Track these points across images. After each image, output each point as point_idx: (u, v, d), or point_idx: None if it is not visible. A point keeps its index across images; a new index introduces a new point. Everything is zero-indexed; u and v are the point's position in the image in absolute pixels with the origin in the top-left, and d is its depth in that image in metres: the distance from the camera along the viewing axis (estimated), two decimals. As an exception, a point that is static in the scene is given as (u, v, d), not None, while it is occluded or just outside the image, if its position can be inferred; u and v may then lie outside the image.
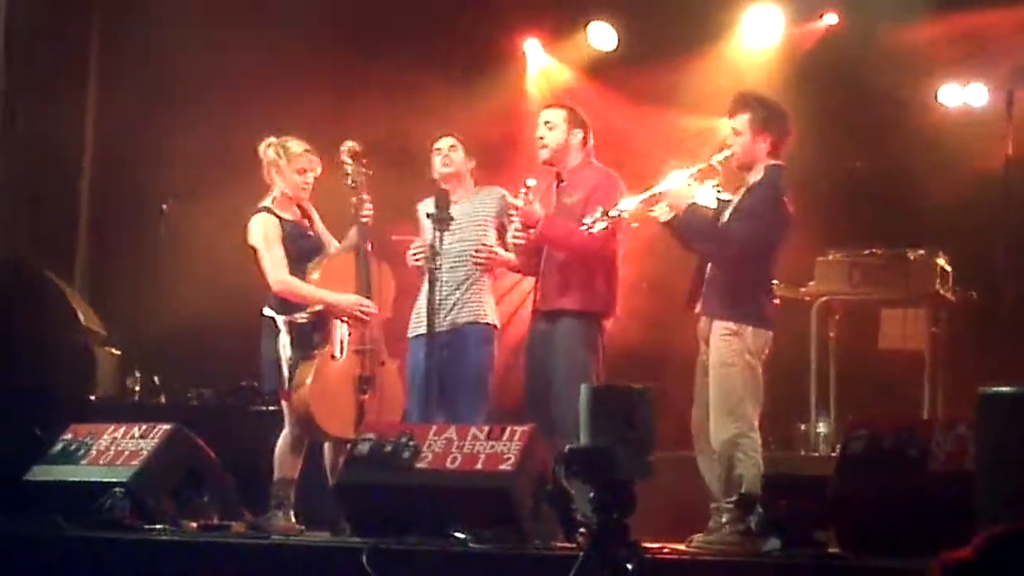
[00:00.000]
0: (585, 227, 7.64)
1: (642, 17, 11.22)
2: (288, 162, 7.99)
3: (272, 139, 8.05)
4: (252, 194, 8.32)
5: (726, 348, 7.35)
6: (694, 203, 7.49)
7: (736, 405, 7.28)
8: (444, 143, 8.38)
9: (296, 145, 8.02)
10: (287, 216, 8.00)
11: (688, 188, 7.52)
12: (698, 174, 7.59)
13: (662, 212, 7.55)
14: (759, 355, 7.39)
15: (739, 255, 7.43)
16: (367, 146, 8.31)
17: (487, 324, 8.22)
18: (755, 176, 7.54)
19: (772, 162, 7.54)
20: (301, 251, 7.97)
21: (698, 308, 7.54)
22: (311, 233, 8.10)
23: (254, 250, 7.93)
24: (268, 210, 7.98)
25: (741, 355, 7.31)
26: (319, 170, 8.06)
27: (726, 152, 7.57)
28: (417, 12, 11.23)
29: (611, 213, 7.61)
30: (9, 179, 10.72)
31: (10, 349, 9.32)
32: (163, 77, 10.97)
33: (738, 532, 7.07)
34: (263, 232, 7.91)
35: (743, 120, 7.52)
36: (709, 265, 7.55)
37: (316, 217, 8.17)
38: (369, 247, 8.06)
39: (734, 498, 7.17)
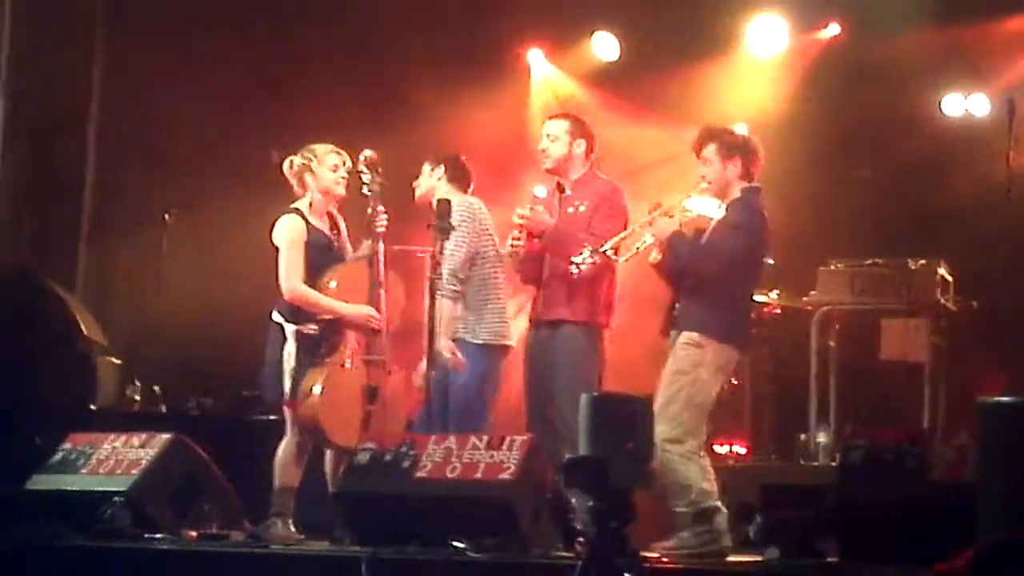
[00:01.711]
0: (575, 266, 7.70)
1: (645, 27, 11.23)
2: (319, 163, 7.99)
3: (295, 157, 8.04)
4: (256, 203, 8.33)
5: (683, 357, 7.43)
6: (677, 231, 7.56)
7: (676, 413, 7.28)
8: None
9: (321, 147, 8.02)
10: (316, 223, 7.99)
11: (670, 220, 7.60)
12: (680, 207, 7.66)
13: (646, 244, 7.64)
14: (720, 372, 7.46)
15: (723, 268, 7.48)
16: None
17: (475, 343, 8.23)
18: (732, 196, 7.61)
19: (747, 184, 7.62)
20: (321, 261, 7.94)
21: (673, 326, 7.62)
22: (335, 245, 8.07)
23: (277, 249, 7.92)
24: (299, 212, 7.96)
25: (696, 367, 7.36)
26: (349, 163, 8.04)
27: (703, 185, 7.65)
28: (421, 22, 11.23)
29: (602, 250, 7.68)
30: (11, 187, 10.72)
31: (11, 357, 9.32)
32: (166, 85, 10.95)
33: (695, 536, 7.13)
34: (288, 233, 7.89)
35: (711, 149, 7.64)
36: (687, 286, 7.61)
37: (343, 230, 8.15)
38: (382, 257, 8.03)
39: (684, 502, 7.22)
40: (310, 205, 7.99)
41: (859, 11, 10.74)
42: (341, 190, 8.04)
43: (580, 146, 8.19)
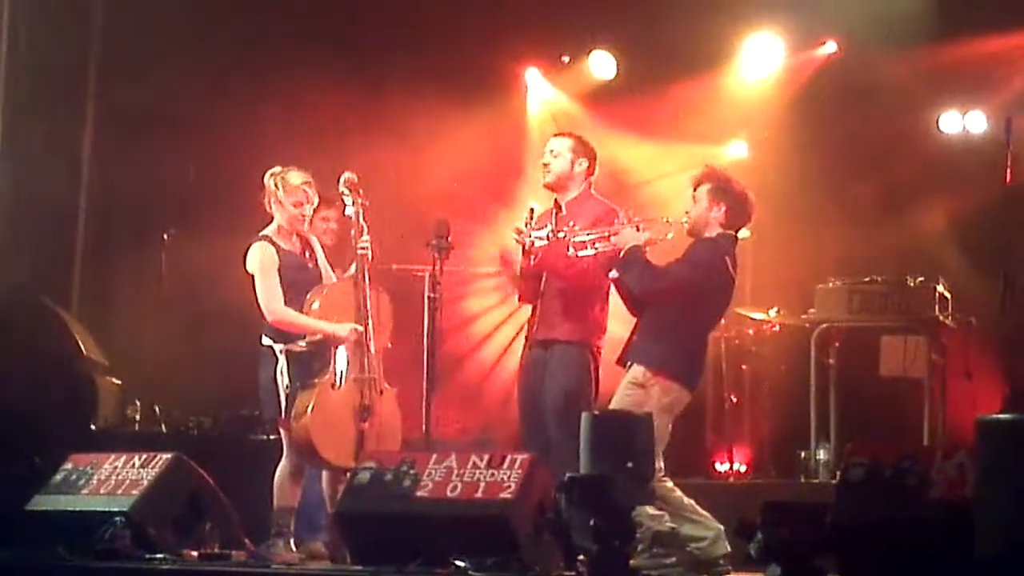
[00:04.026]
0: (529, 240, 7.87)
1: (642, 46, 11.25)
2: (285, 193, 7.99)
3: (276, 168, 8.06)
4: (252, 224, 8.33)
5: (626, 397, 7.51)
6: (636, 246, 7.67)
7: None
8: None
9: (295, 177, 8.02)
10: (286, 246, 8.00)
11: (634, 234, 7.71)
12: (650, 227, 7.77)
13: (605, 248, 7.75)
14: (664, 411, 7.46)
15: (668, 294, 7.61)
16: (369, 175, 8.31)
17: None
18: (705, 236, 7.72)
19: (723, 231, 7.72)
20: (298, 282, 7.95)
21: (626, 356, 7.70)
22: (310, 265, 8.08)
23: (251, 277, 7.95)
24: (267, 239, 7.99)
25: (639, 407, 7.33)
26: (316, 202, 8.06)
27: (684, 218, 7.78)
28: (418, 41, 11.25)
29: (560, 235, 7.81)
30: (8, 208, 10.71)
31: (11, 378, 9.32)
32: (163, 106, 10.96)
33: (651, 557, 7.21)
34: (259, 261, 7.92)
35: (703, 189, 7.78)
36: (641, 316, 7.70)
37: (319, 249, 8.16)
38: (367, 277, 8.05)
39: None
40: (279, 229, 8.02)
41: (856, 29, 10.76)
42: (301, 227, 8.05)
43: (581, 164, 8.20)
